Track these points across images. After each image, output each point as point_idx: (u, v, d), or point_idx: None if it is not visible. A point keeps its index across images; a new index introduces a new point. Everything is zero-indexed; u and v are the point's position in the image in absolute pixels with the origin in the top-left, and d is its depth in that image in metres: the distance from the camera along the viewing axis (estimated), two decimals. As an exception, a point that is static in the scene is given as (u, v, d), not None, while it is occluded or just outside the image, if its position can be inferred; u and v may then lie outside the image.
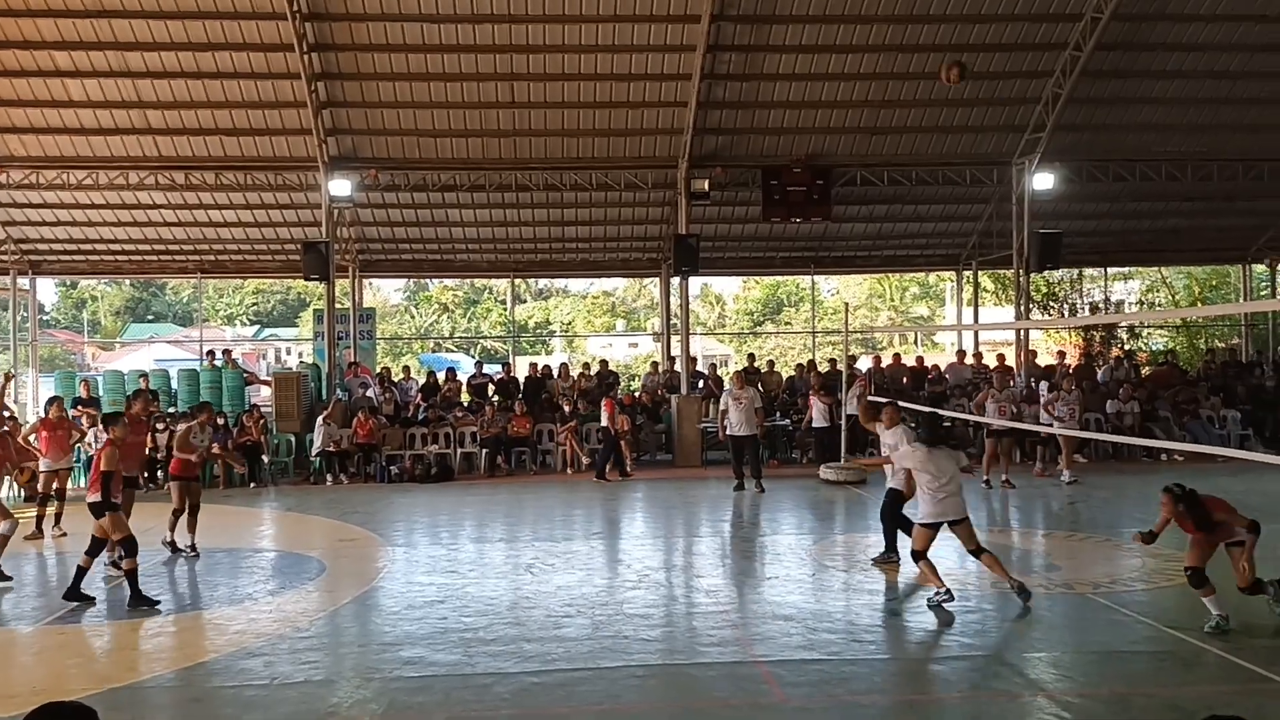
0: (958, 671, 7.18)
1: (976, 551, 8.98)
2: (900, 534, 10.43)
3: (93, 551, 9.68)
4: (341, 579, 10.53)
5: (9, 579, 10.48)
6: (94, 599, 9.57)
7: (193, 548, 11.76)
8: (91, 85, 18.87)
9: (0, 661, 8.09)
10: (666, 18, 18.17)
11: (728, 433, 16.32)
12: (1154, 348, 31.59)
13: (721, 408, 16.72)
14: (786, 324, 48.75)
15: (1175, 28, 19.29)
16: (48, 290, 45.81)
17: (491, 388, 21.43)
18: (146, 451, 14.05)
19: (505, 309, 44.52)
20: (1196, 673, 7.18)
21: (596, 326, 50.11)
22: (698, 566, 11.38)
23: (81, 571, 9.57)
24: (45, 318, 40.99)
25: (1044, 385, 18.73)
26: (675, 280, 21.94)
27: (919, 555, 8.94)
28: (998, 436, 16.00)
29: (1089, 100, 20.23)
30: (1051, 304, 30.14)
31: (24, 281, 23.66)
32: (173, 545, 11.80)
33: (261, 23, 17.94)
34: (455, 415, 19.89)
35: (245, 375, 21.33)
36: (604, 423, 18.40)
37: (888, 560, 10.57)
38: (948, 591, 8.79)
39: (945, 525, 8.86)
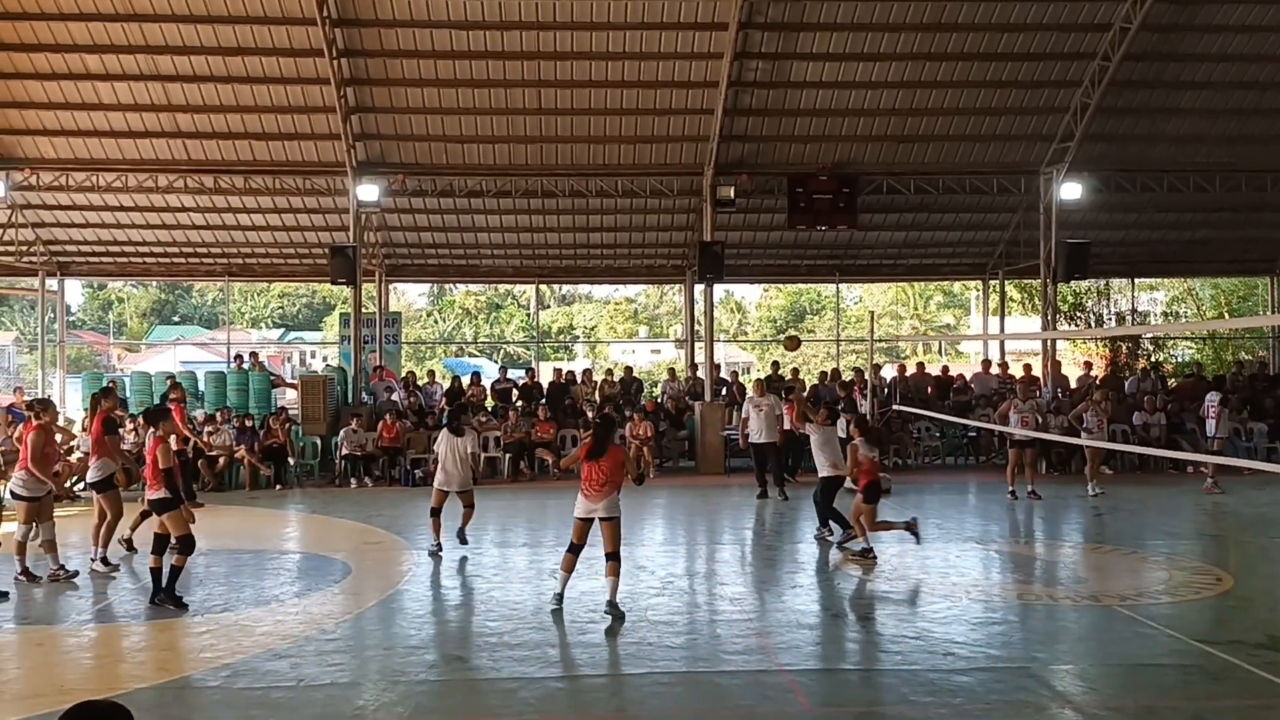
0: (984, 683, 7.15)
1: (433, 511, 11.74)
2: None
3: (158, 550, 9.50)
4: (366, 582, 10.59)
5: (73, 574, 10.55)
6: (187, 605, 9.31)
7: (129, 542, 11.65)
8: (122, 89, 19.07)
9: (27, 661, 8.15)
10: (694, 25, 18.20)
11: (749, 440, 16.36)
12: (1180, 359, 31.34)
13: (743, 415, 16.73)
14: (810, 332, 48.63)
15: (1204, 38, 19.18)
16: (74, 291, 46.30)
17: (515, 393, 21.51)
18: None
19: (528, 314, 44.59)
20: (1224, 686, 7.12)
21: (619, 333, 50.14)
22: (721, 574, 11.37)
23: (155, 573, 9.38)
24: (71, 319, 41.37)
25: (1212, 395, 17.74)
26: (699, 287, 21.95)
27: (434, 512, 11.73)
28: (1020, 447, 15.89)
29: (1117, 110, 20.13)
30: (1078, 314, 29.94)
31: (52, 283, 23.95)
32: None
33: (291, 28, 18.09)
34: (479, 420, 19.93)
35: (272, 378, 21.48)
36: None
37: (865, 554, 11.23)
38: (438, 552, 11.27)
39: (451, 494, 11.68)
